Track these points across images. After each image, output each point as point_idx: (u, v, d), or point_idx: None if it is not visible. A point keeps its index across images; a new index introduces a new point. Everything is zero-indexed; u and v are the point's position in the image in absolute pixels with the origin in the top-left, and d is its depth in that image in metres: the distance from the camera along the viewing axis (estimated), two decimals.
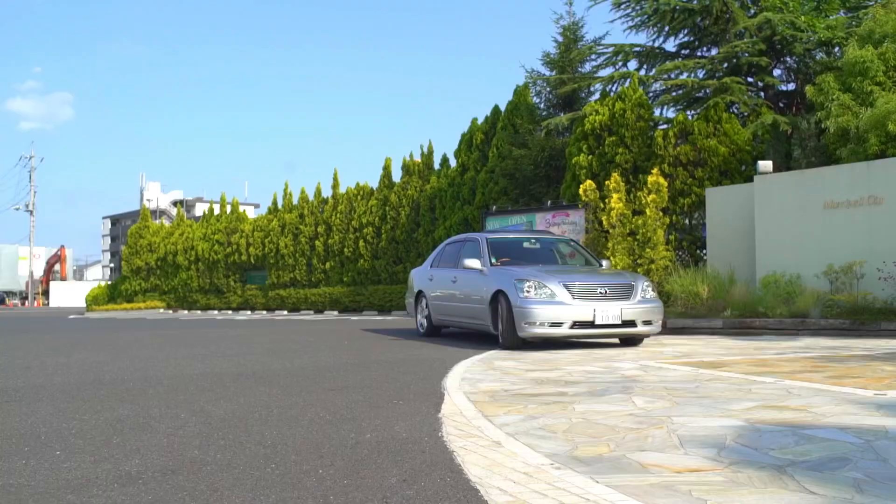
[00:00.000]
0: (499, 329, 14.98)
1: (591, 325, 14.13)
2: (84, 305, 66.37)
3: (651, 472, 5.06)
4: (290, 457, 5.69)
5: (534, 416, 7.19)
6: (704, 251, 23.91)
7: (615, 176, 24.47)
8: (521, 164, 31.30)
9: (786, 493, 4.56)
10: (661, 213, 23.40)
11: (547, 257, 17.43)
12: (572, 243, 18.37)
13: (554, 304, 14.10)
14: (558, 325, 14.04)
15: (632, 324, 14.45)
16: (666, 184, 23.65)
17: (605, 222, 24.05)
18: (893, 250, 17.78)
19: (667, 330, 18.36)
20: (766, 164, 20.92)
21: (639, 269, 23.27)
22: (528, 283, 14.31)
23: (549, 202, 27.46)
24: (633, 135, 26.47)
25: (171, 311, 51.49)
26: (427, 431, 6.60)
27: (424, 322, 19.12)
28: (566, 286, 14.27)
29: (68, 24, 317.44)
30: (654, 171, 24.07)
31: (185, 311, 51.02)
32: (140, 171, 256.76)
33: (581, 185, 25.25)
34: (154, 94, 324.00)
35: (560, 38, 34.29)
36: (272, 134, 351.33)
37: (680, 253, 25.07)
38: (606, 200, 24.28)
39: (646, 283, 15.02)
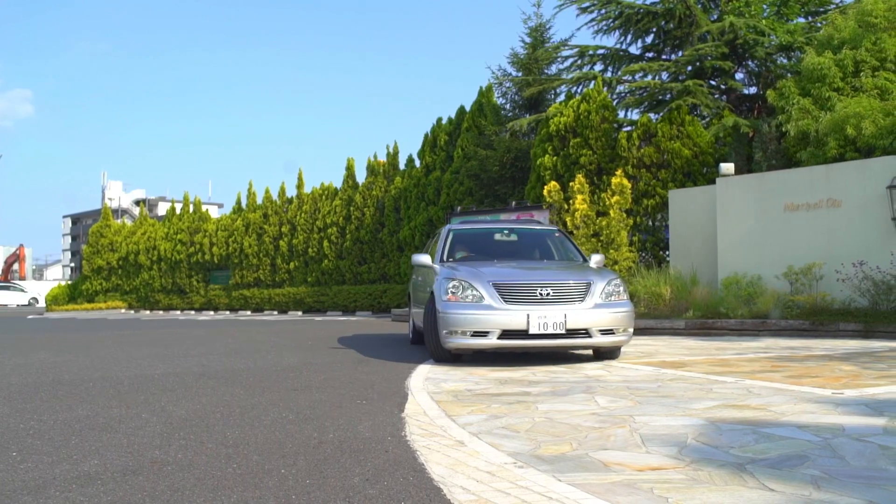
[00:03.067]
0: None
1: (525, 335, 11.43)
2: (44, 305, 65.97)
3: (613, 471, 5.09)
4: (252, 456, 5.68)
5: (497, 416, 7.21)
6: (667, 252, 23.98)
7: (579, 177, 24.56)
8: (486, 165, 31.27)
9: (745, 491, 4.59)
10: (624, 215, 23.54)
11: (522, 251, 14.85)
12: (557, 235, 15.28)
13: (479, 308, 11.59)
14: (483, 334, 11.49)
15: (582, 333, 11.58)
16: (630, 185, 23.79)
17: (569, 223, 24.11)
18: (851, 252, 17.89)
19: None
20: (727, 167, 21.02)
21: None
22: (452, 284, 11.96)
23: (513, 203, 27.46)
24: (597, 136, 26.50)
25: (132, 312, 51.16)
26: (390, 431, 6.60)
27: (412, 328, 16.57)
28: (497, 286, 11.71)
29: (29, 19, 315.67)
30: (618, 172, 24.20)
31: (147, 312, 50.71)
32: (102, 169, 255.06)
33: (545, 187, 25.32)
34: (116, 93, 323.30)
35: (528, 39, 34.29)
36: (235, 134, 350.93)
37: (643, 254, 25.11)
38: (570, 201, 24.37)
39: (611, 283, 12.15)
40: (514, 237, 15.49)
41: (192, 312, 47.08)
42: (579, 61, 32.12)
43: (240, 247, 46.28)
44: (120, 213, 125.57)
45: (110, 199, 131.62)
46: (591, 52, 31.62)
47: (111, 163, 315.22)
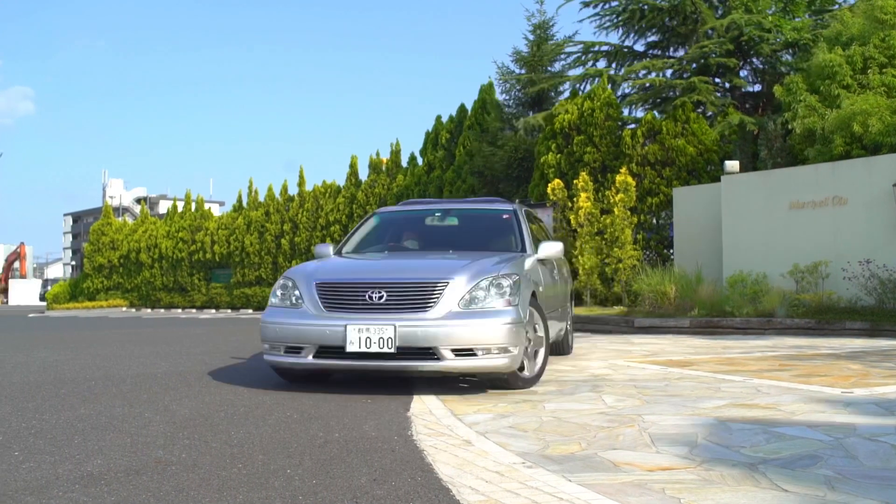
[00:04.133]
0: None
1: (342, 353, 8.68)
2: (44, 304, 65.98)
3: (623, 471, 5.04)
4: (257, 456, 5.64)
5: (503, 415, 7.18)
6: (672, 251, 23.97)
7: (583, 175, 24.57)
8: (491, 163, 31.23)
9: (758, 491, 4.55)
10: (629, 213, 23.52)
11: (456, 239, 11.62)
12: (506, 217, 11.82)
13: (295, 317, 9.15)
14: (296, 351, 9.02)
15: (424, 354, 8.54)
16: (634, 183, 23.76)
17: (573, 221, 24.14)
18: (858, 250, 17.86)
19: (634, 329, 18.42)
20: (732, 165, 21.01)
21: (607, 269, 23.34)
22: (281, 285, 9.70)
23: (517, 201, 27.38)
24: (601, 134, 26.53)
25: (133, 310, 51.24)
26: (397, 430, 6.57)
27: None
28: (320, 287, 9.19)
29: (30, 16, 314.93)
30: (623, 170, 24.19)
31: (149, 310, 50.79)
32: (103, 167, 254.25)
33: (549, 184, 25.36)
34: (118, 91, 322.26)
35: (531, 36, 34.19)
36: (237, 131, 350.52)
37: (648, 252, 25.15)
38: (574, 199, 24.39)
39: (486, 281, 8.94)
40: (451, 221, 12.38)
41: (194, 311, 47.15)
42: (583, 57, 32.14)
43: (241, 245, 46.37)
44: (121, 211, 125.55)
45: (111, 197, 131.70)
46: (595, 49, 31.63)
47: (112, 161, 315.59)
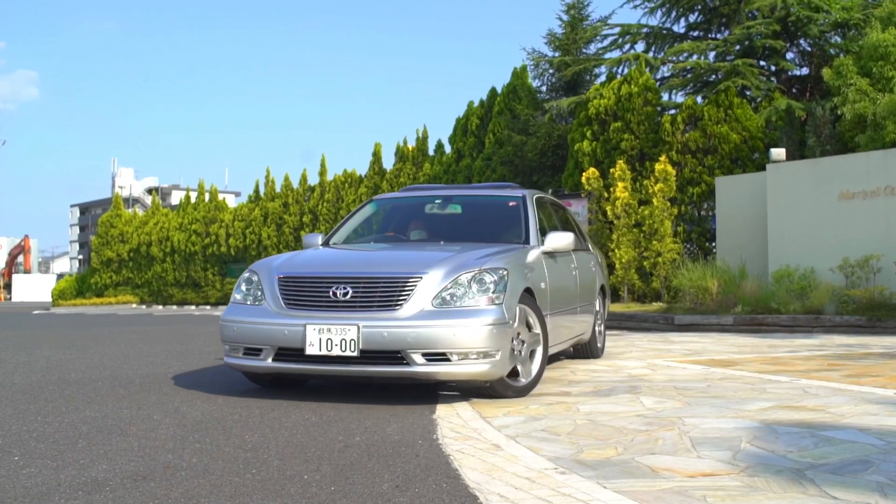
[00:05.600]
0: None
1: (301, 356, 8.32)
2: (50, 300, 66.15)
3: (662, 477, 5.02)
4: (272, 461, 5.63)
5: (535, 418, 7.16)
6: (714, 244, 23.93)
7: (620, 163, 24.49)
8: (522, 151, 31.15)
9: (806, 499, 4.52)
10: (668, 203, 23.45)
11: (457, 228, 11.38)
12: (512, 205, 11.18)
13: (255, 315, 8.81)
14: (255, 353, 8.68)
15: (391, 358, 8.09)
16: (674, 172, 23.69)
17: (609, 213, 24.08)
18: None
19: (674, 327, 18.38)
20: (778, 152, 20.91)
21: (645, 263, 23.25)
22: (245, 278, 9.35)
23: (550, 191, 27.28)
24: (639, 120, 26.41)
25: (144, 307, 51.36)
26: (421, 434, 6.56)
27: None
28: (282, 282, 8.82)
29: None
30: (662, 158, 24.11)
31: (160, 307, 50.90)
32: (112, 156, 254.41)
33: (584, 173, 25.28)
34: (127, 75, 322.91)
35: (565, 17, 34.06)
36: (254, 118, 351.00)
37: (688, 245, 25.06)
38: (611, 189, 24.32)
39: (466, 276, 8.41)
40: (453, 209, 11.84)
41: (208, 308, 47.23)
42: (620, 41, 32.02)
43: (258, 238, 46.41)
44: (131, 202, 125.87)
45: (121, 187, 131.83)
46: (633, 31, 31.50)
47: (121, 149, 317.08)
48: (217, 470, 5.38)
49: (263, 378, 9.32)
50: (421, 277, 8.29)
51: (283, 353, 8.45)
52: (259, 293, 8.92)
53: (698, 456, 5.57)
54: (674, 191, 23.68)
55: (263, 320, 8.60)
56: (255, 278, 9.13)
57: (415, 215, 11.68)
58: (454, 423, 6.98)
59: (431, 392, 8.81)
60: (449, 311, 8.14)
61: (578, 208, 24.96)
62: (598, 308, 12.84)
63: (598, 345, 12.91)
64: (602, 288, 13.33)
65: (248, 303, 8.97)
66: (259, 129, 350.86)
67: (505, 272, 8.54)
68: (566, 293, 10.96)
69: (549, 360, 11.53)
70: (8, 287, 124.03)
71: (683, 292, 20.06)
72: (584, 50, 33.63)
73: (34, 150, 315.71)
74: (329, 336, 8.10)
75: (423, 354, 7.97)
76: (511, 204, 11.19)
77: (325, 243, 11.01)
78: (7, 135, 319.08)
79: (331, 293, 8.37)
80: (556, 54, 33.56)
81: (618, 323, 20.09)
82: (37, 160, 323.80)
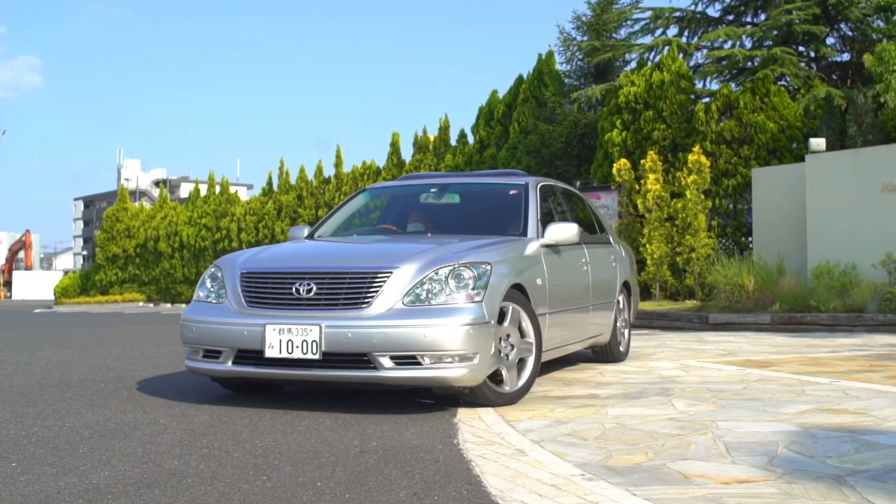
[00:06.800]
0: None
1: (261, 359, 8.04)
2: (52, 298, 66.24)
3: (695, 484, 5.01)
4: (283, 467, 5.63)
5: (561, 421, 7.15)
6: (751, 238, 23.86)
7: (652, 154, 24.45)
8: (548, 141, 31.10)
9: None
10: (702, 196, 23.39)
11: (455, 220, 11.01)
12: (512, 193, 10.74)
13: (215, 314, 8.54)
14: (215, 355, 8.41)
15: (356, 362, 7.81)
16: (708, 163, 23.61)
17: (640, 206, 24.04)
18: None
19: (708, 326, 18.33)
20: (818, 142, 20.84)
21: (678, 259, 23.20)
22: (210, 274, 9.08)
23: (578, 183, 27.24)
24: (672, 109, 26.34)
25: (151, 305, 51.42)
26: (441, 438, 6.57)
27: None
28: (245, 278, 8.55)
29: None
30: (696, 149, 24.03)
31: (168, 305, 50.94)
32: (117, 146, 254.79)
33: (614, 165, 25.24)
34: (134, 61, 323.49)
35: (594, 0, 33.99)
36: (266, 107, 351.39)
37: (723, 240, 25.00)
38: (642, 181, 24.27)
39: (456, 267, 8.06)
40: (450, 199, 11.44)
41: None
42: (652, 25, 31.94)
43: (271, 233, 46.42)
44: (138, 195, 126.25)
45: (127, 179, 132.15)
46: (665, 15, 31.43)
47: (128, 140, 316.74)
48: (225, 477, 5.38)
49: (231, 383, 9.15)
50: (391, 273, 7.97)
51: (243, 356, 8.22)
52: (222, 290, 8.67)
53: (733, 462, 5.56)
54: (708, 183, 23.61)
55: (223, 320, 8.36)
56: (218, 274, 8.87)
57: (408, 206, 11.43)
58: (476, 426, 6.98)
59: (451, 394, 8.74)
60: (421, 310, 7.81)
61: (608, 201, 24.95)
62: (620, 307, 12.54)
63: (621, 347, 12.51)
64: (626, 284, 12.93)
65: (211, 300, 8.73)
66: (272, 119, 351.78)
67: (487, 267, 8.16)
68: (573, 290, 10.59)
69: (566, 362, 11.58)
70: (8, 284, 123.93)
71: (718, 289, 20.03)
72: (613, 35, 33.57)
73: (36, 140, 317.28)
74: (290, 337, 7.83)
75: (392, 357, 7.66)
76: (512, 192, 10.78)
77: (310, 236, 10.89)
78: (7, 124, 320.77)
79: (293, 290, 8.09)
80: (585, 38, 33.47)
81: (649, 322, 20.07)
82: (39, 151, 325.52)
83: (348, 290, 7.93)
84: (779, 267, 19.81)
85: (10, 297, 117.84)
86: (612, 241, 12.97)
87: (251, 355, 8.07)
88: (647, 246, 23.61)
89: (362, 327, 7.65)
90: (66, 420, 7.59)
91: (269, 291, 8.26)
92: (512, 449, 6.09)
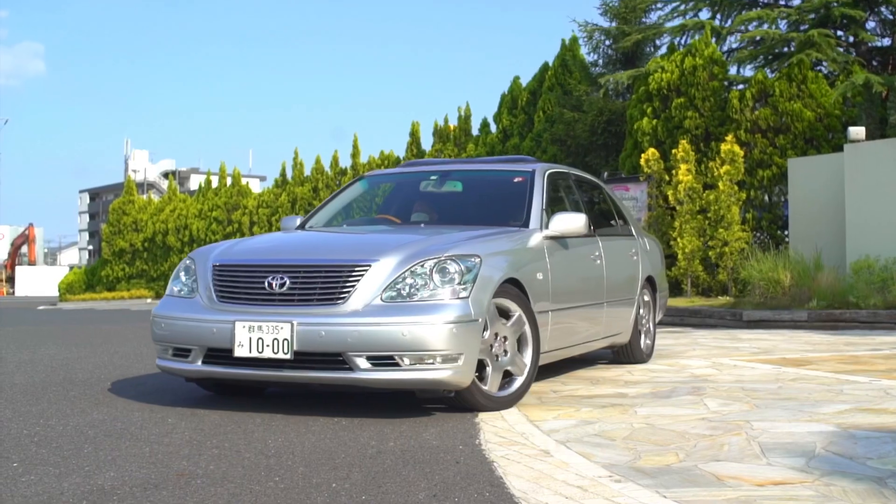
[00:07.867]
0: None
1: (230, 358, 7.83)
2: (56, 294, 66.36)
3: (728, 486, 5.00)
4: (297, 468, 5.64)
5: (588, 421, 7.15)
6: (786, 232, 23.79)
7: (683, 143, 24.38)
8: (574, 130, 31.06)
9: None
10: (736, 188, 23.33)
11: (455, 210, 10.68)
12: (517, 181, 10.38)
13: (186, 309, 8.39)
14: (184, 354, 8.25)
15: (330, 362, 7.60)
16: (742, 153, 23.55)
17: (671, 198, 23.98)
18: None
19: (742, 323, 18.29)
20: (857, 131, 20.77)
21: (710, 253, 23.16)
22: (184, 266, 8.88)
23: (605, 174, 27.18)
24: (704, 96, 26.26)
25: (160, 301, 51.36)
26: (462, 438, 6.57)
27: None
28: (217, 270, 8.36)
29: None
30: (729, 138, 23.96)
31: None
32: (124, 136, 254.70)
33: (643, 155, 25.18)
34: (141, 48, 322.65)
35: None
36: (280, 96, 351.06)
37: (758, 234, 24.93)
38: (673, 172, 24.22)
39: (441, 260, 7.78)
40: (452, 187, 11.10)
41: None
42: (683, 7, 31.84)
43: None
44: (146, 187, 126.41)
45: (134, 170, 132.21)
46: None
47: (135, 129, 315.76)
48: (236, 477, 5.39)
49: (206, 383, 8.93)
50: (370, 266, 7.71)
51: (213, 355, 8.03)
52: (195, 284, 8.46)
53: (768, 463, 5.55)
54: (742, 174, 23.54)
55: (193, 316, 8.19)
56: (192, 267, 8.68)
57: (407, 195, 11.22)
58: (499, 426, 6.97)
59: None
60: (401, 307, 7.56)
61: (637, 193, 24.93)
62: (642, 304, 12.24)
63: (643, 347, 12.14)
64: (650, 280, 12.52)
65: (183, 295, 8.55)
66: (286, 108, 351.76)
67: (476, 260, 7.86)
68: (582, 286, 10.25)
69: (581, 363, 11.51)
70: (11, 280, 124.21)
71: (752, 285, 19.97)
72: (642, 19, 33.50)
73: (40, 130, 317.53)
74: (260, 335, 7.61)
75: (368, 358, 7.42)
76: (516, 180, 10.40)
77: (301, 226, 10.62)
78: (10, 114, 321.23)
79: (266, 284, 7.87)
80: (613, 24, 33.42)
81: (680, 319, 20.04)
82: (42, 141, 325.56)
83: (323, 284, 7.76)
84: (816, 262, 19.75)
85: (13, 293, 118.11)
86: (634, 233, 12.66)
87: (221, 354, 7.92)
88: (679, 240, 23.56)
89: (336, 325, 7.46)
90: (71, 419, 7.62)
91: (240, 286, 8.11)
92: (536, 449, 6.08)
